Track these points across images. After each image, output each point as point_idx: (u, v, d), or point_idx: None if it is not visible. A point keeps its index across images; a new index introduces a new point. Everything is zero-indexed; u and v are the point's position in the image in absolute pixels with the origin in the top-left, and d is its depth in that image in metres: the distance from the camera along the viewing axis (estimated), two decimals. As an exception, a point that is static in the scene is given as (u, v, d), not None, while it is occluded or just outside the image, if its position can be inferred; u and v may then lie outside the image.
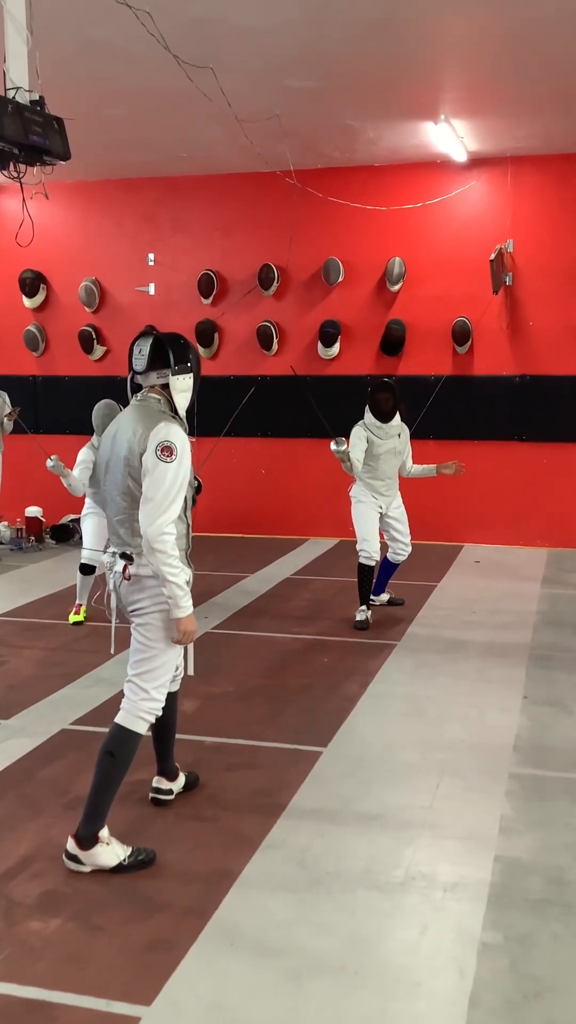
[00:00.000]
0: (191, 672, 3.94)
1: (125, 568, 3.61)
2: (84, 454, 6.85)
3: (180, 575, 3.52)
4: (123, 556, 3.64)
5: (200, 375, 3.74)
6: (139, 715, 3.63)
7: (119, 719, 3.64)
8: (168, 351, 3.62)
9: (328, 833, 3.88)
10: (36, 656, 6.28)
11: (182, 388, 3.65)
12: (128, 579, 3.61)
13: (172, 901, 3.39)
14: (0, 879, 3.53)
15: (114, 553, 3.69)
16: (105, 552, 3.82)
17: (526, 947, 3.13)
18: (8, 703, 5.37)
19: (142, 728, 3.65)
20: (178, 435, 3.52)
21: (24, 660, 6.21)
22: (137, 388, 3.73)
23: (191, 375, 3.67)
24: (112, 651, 4.02)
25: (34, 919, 3.28)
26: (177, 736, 4.86)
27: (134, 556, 3.60)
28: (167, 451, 3.47)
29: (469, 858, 3.69)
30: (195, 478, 3.99)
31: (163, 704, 3.71)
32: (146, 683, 3.64)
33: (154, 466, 3.47)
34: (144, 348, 3.64)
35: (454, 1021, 2.78)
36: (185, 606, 3.56)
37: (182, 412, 3.66)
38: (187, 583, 3.58)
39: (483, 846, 3.78)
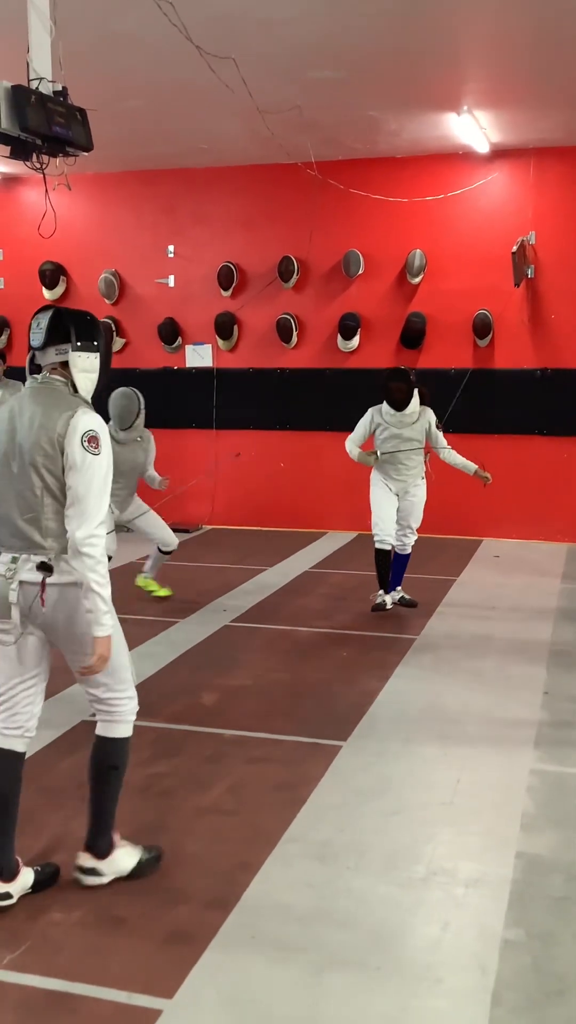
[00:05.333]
0: (136, 681, 3.50)
1: (44, 583, 3.16)
2: None
3: (107, 586, 3.14)
4: (41, 567, 3.16)
5: (110, 360, 3.36)
6: (127, 720, 3.41)
7: (109, 732, 3.40)
8: (69, 325, 3.26)
9: (348, 828, 3.87)
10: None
11: (85, 368, 3.25)
12: (43, 595, 3.16)
13: (193, 894, 3.39)
14: (21, 870, 3.54)
15: (14, 559, 3.20)
16: None
17: (548, 945, 3.11)
18: (28, 694, 5.38)
19: (131, 730, 3.44)
20: (100, 422, 3.21)
21: (44, 651, 6.22)
22: (36, 370, 3.35)
23: (96, 355, 3.28)
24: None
25: (55, 911, 3.28)
26: (197, 729, 4.89)
27: (53, 563, 3.17)
28: (93, 442, 3.14)
29: (490, 854, 3.67)
30: None
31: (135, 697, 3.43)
32: (121, 691, 3.38)
33: (82, 460, 3.11)
34: (43, 321, 3.27)
35: (476, 1019, 2.77)
36: (107, 623, 3.15)
37: (85, 395, 3.27)
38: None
39: (504, 842, 3.76)
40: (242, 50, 6.35)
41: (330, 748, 4.64)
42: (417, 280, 10.03)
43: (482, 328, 9.82)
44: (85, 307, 11.68)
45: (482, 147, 9.34)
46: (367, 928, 3.20)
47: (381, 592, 7.05)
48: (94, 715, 3.49)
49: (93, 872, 3.40)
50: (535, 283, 9.77)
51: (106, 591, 3.15)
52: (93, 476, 3.14)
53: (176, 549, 7.47)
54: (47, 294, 11.03)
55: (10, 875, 3.32)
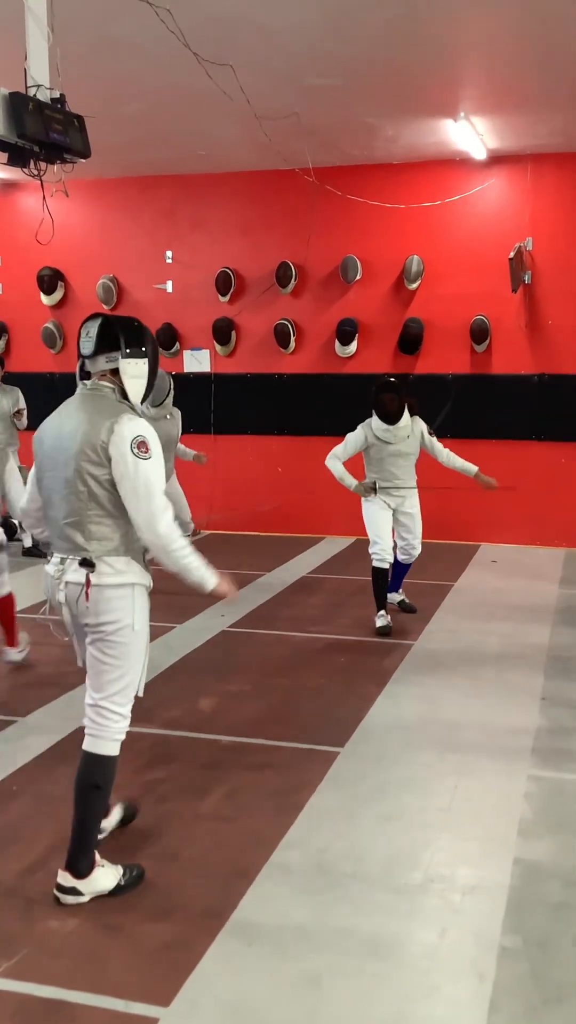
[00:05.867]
0: (140, 694, 3.49)
1: (88, 579, 3.27)
2: None
3: (196, 556, 3.35)
4: (84, 563, 3.28)
5: (157, 365, 3.46)
6: (113, 739, 3.39)
7: (94, 748, 3.39)
8: (119, 333, 3.33)
9: (346, 834, 3.86)
10: (53, 653, 6.27)
11: (134, 374, 3.34)
12: (87, 592, 3.27)
13: (189, 901, 3.39)
14: (18, 877, 3.54)
15: (62, 560, 3.34)
16: (48, 561, 3.43)
17: (546, 951, 3.11)
18: (26, 700, 5.38)
19: (117, 750, 3.41)
20: (145, 427, 3.30)
21: (41, 657, 6.22)
22: (86, 376, 3.43)
23: (145, 361, 3.36)
24: (81, 663, 3.53)
25: (52, 918, 3.28)
26: (194, 735, 4.89)
27: (95, 562, 3.28)
28: (143, 447, 3.22)
29: (488, 860, 3.67)
30: None
31: (129, 721, 3.44)
32: (119, 705, 3.38)
33: (135, 466, 3.20)
34: (92, 330, 3.35)
35: (474, 1026, 2.77)
36: (211, 579, 3.38)
37: (135, 400, 3.37)
38: (147, 587, 3.41)
39: (502, 848, 3.75)
40: (240, 56, 6.37)
41: (328, 754, 4.64)
42: (415, 286, 10.04)
43: (479, 334, 9.83)
44: (82, 312, 11.70)
45: (479, 153, 9.36)
46: (364, 935, 3.19)
47: (382, 613, 6.83)
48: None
49: (73, 891, 3.34)
50: (532, 289, 9.78)
51: (197, 561, 3.35)
52: (149, 477, 3.23)
53: (191, 530, 8.21)
54: (45, 300, 11.04)
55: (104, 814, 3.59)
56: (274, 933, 3.20)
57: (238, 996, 2.90)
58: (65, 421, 3.35)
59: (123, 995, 2.87)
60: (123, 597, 3.31)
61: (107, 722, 3.38)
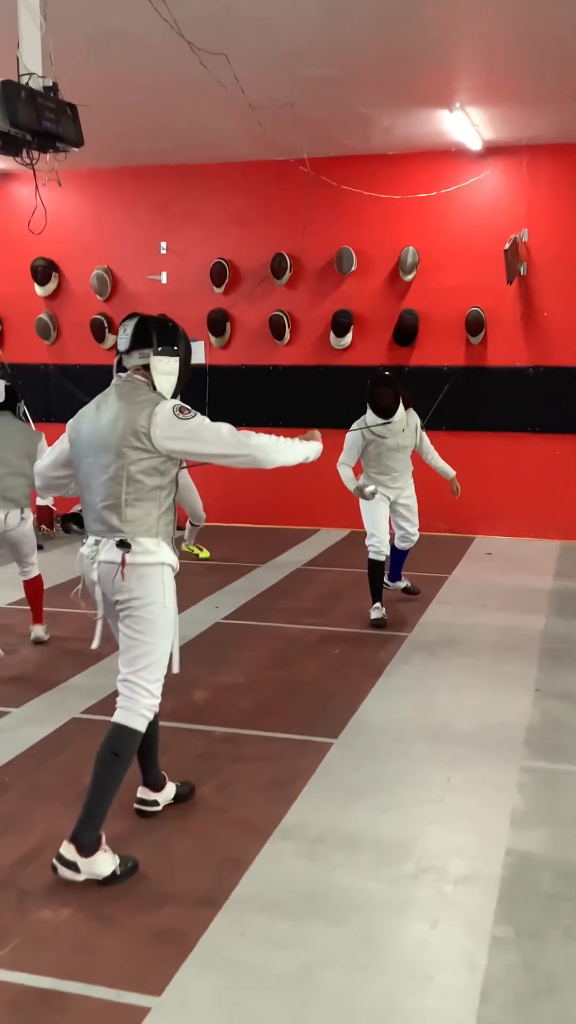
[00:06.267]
0: (176, 670, 3.65)
1: (124, 559, 3.44)
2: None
3: (294, 448, 3.56)
4: (120, 544, 3.45)
5: (189, 364, 3.65)
6: (141, 713, 3.51)
7: (120, 719, 3.51)
8: (152, 332, 3.55)
9: (339, 825, 3.87)
10: (47, 644, 6.28)
11: (165, 370, 3.56)
12: (123, 571, 3.44)
13: (182, 892, 3.39)
14: (10, 868, 3.54)
15: (97, 541, 3.52)
16: (83, 543, 3.61)
17: (538, 942, 3.11)
18: (19, 691, 5.38)
19: (143, 726, 3.53)
20: (180, 401, 3.54)
21: (35, 648, 6.22)
22: (123, 370, 3.66)
23: (176, 359, 3.58)
24: (95, 645, 3.69)
25: (44, 908, 3.27)
26: (187, 726, 4.89)
27: (131, 543, 3.46)
28: (184, 410, 3.45)
29: (480, 851, 3.67)
30: None
31: (159, 700, 3.58)
32: (145, 680, 3.51)
33: (190, 428, 3.41)
34: (128, 328, 3.58)
35: (465, 1016, 2.77)
36: (305, 450, 3.62)
37: (166, 396, 3.56)
38: (174, 569, 3.58)
39: (494, 840, 3.76)
40: (234, 46, 6.33)
41: (321, 745, 4.64)
42: (410, 277, 10.02)
43: (475, 325, 9.82)
44: (77, 303, 11.63)
45: (474, 144, 9.34)
46: (357, 925, 3.19)
47: (378, 605, 6.83)
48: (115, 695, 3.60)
49: (72, 866, 3.36)
50: (528, 280, 9.77)
51: (297, 448, 3.57)
52: (204, 426, 3.43)
53: (203, 523, 8.68)
54: (39, 290, 11.00)
55: (158, 787, 3.93)
56: (266, 924, 3.20)
57: (230, 986, 2.90)
58: (104, 411, 3.54)
59: (115, 985, 2.87)
60: (154, 575, 3.49)
61: (136, 696, 3.51)
